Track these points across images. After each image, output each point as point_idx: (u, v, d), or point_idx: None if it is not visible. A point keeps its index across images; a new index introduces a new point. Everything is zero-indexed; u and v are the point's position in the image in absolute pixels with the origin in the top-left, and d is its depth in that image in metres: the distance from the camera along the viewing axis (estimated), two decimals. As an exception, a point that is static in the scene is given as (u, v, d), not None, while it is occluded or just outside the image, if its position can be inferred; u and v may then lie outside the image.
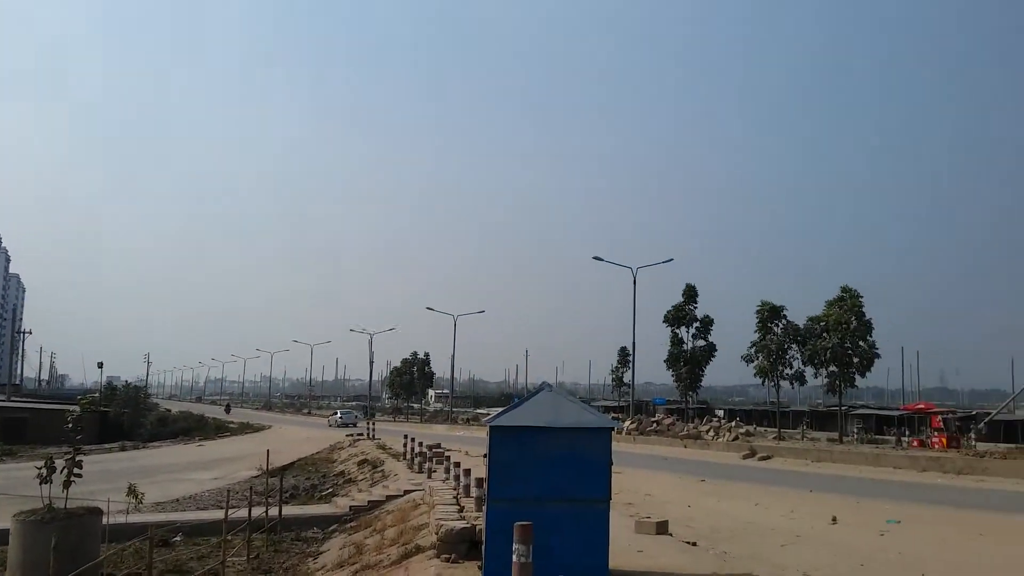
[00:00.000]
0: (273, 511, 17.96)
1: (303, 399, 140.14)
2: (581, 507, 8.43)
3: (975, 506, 19.76)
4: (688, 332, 51.83)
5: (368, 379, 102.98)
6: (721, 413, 66.85)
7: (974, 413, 54.05)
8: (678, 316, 51.82)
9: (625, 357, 64.21)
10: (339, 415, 76.19)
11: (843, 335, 41.47)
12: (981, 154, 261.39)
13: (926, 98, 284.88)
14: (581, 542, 8.33)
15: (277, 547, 16.30)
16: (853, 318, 41.66)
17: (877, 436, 49.32)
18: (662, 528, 12.61)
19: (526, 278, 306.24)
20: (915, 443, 40.60)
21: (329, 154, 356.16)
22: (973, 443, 39.60)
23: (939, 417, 43.32)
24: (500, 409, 10.04)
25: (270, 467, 24.71)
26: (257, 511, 16.01)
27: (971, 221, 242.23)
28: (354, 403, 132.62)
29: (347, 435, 49.85)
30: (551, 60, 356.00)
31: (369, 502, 20.00)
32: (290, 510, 19.98)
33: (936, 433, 40.54)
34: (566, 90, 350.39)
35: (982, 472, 27.76)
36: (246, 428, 72.73)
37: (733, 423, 50.53)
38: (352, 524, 18.11)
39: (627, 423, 50.82)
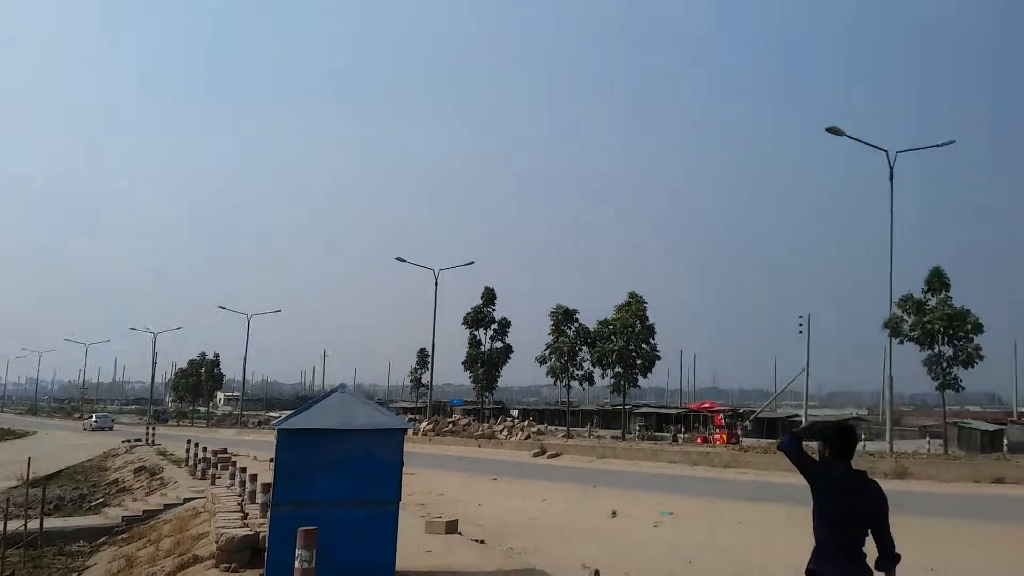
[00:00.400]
0: (33, 524, 16.48)
1: (75, 402, 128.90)
2: (371, 509, 8.36)
3: (738, 496, 21.55)
4: (487, 334, 52.91)
5: (150, 381, 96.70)
6: (516, 413, 68.40)
7: (740, 411, 59.17)
8: (477, 318, 52.76)
9: (424, 358, 64.53)
10: (95, 418, 76.43)
11: (628, 338, 43.90)
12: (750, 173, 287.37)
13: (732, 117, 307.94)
14: (369, 544, 8.26)
15: (37, 563, 15.04)
16: (638, 322, 44.24)
17: (657, 433, 52.62)
18: (452, 527, 12.82)
19: (326, 278, 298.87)
20: (699, 439, 43.59)
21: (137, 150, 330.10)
22: (739, 439, 43.32)
23: (720, 415, 47.00)
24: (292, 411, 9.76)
25: (32, 476, 22.68)
26: (14, 524, 14.66)
27: (744, 236, 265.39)
28: (133, 407, 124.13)
29: (123, 440, 46.64)
30: (366, 56, 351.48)
31: (144, 512, 18.95)
32: (53, 522, 18.47)
33: (718, 430, 43.88)
34: (378, 89, 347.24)
35: (745, 465, 30.29)
36: (6, 434, 66.81)
37: (526, 423, 51.92)
38: (124, 536, 17.06)
39: (423, 424, 51.03)
